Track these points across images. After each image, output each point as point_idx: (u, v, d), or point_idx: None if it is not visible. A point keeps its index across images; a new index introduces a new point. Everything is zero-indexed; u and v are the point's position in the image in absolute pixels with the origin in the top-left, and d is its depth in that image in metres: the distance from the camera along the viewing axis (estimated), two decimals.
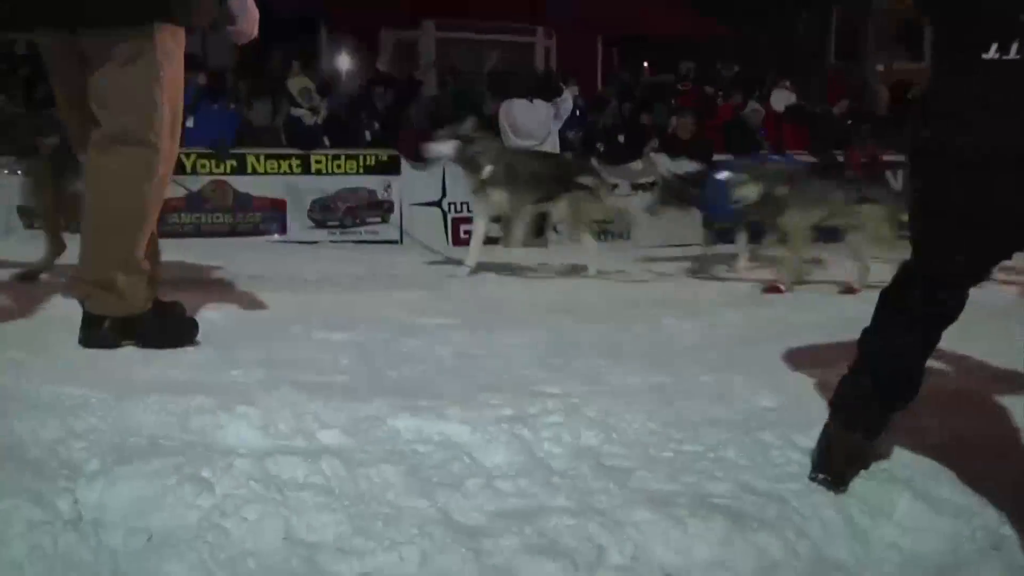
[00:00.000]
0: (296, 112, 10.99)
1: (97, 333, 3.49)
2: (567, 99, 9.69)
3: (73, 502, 2.16)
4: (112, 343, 3.49)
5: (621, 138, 11.84)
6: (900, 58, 17.56)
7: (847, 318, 3.31)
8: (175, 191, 7.46)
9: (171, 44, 3.39)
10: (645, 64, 18.15)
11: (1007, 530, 2.40)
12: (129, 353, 3.51)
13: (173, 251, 6.78)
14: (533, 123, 9.46)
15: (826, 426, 2.62)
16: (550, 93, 9.93)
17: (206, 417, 2.69)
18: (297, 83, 11.26)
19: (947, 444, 2.78)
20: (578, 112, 12.19)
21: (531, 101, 9.70)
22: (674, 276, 7.38)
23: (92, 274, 3.47)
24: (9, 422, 2.51)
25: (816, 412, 2.72)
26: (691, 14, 17.01)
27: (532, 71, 12.42)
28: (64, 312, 4.19)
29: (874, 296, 2.64)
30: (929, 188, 2.43)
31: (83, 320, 3.53)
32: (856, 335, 2.66)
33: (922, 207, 2.50)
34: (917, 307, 2.50)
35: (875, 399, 2.58)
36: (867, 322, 2.61)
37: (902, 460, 2.66)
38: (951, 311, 2.50)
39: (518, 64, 14.40)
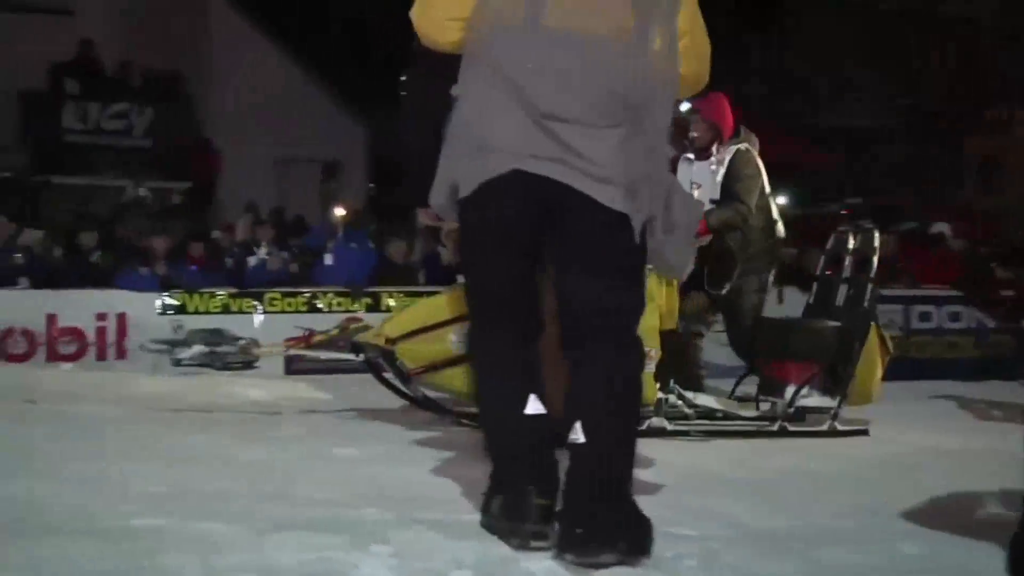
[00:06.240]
0: (439, 249, 11.30)
1: None
2: None
3: None
4: None
5: None
6: None
7: None
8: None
9: None
10: None
11: None
12: (261, 487, 3.57)
13: (306, 388, 6.96)
14: None
15: None
16: None
17: (338, 554, 2.70)
18: (447, 225, 11.61)
19: None
20: None
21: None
22: None
23: None
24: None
25: None
26: None
27: None
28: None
29: None
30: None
31: None
32: None
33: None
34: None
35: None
36: None
37: None
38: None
39: None
